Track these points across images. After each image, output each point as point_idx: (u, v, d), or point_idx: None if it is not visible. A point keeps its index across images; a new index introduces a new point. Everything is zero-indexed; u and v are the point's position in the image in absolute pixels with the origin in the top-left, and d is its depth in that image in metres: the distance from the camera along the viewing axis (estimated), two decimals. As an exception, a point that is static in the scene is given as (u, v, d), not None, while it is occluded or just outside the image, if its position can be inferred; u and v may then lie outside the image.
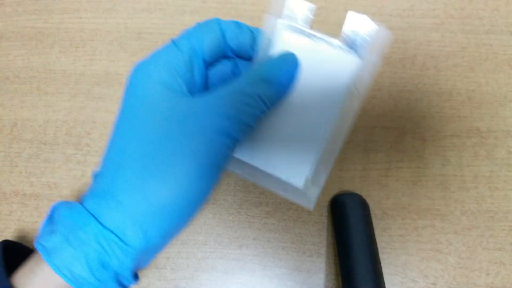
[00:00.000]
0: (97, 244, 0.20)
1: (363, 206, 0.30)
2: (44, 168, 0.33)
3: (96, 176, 0.22)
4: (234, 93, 0.21)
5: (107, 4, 0.37)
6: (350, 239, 0.28)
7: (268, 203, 0.32)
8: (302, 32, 0.23)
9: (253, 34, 0.24)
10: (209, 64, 0.25)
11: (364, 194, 0.32)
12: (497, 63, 0.35)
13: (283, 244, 0.31)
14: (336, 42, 0.23)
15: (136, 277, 0.23)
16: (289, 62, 0.23)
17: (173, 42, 0.23)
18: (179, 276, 0.31)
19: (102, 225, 0.20)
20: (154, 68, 0.22)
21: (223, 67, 0.26)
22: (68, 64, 0.35)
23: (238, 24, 0.24)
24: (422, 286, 0.30)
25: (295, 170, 0.24)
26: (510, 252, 0.31)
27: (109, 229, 0.20)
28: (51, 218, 0.22)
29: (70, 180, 0.33)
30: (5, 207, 0.33)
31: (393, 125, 0.34)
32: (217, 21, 0.24)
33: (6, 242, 0.24)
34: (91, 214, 0.20)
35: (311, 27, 0.23)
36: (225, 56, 0.25)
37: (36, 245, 0.21)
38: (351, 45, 0.23)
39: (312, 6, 0.23)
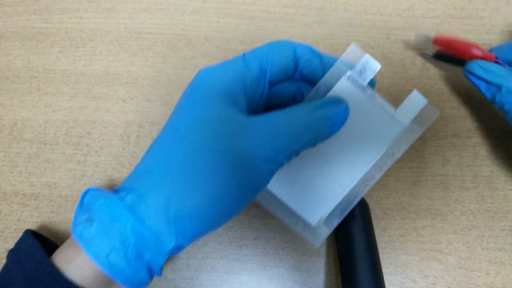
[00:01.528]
0: (134, 238, 0.21)
1: (363, 206, 0.30)
2: (44, 168, 0.33)
3: (137, 170, 0.23)
4: (290, 121, 0.22)
5: (107, 4, 0.37)
6: (350, 239, 0.28)
7: (268, 203, 0.32)
8: (362, 87, 0.24)
9: (324, 63, 0.24)
10: (273, 85, 0.25)
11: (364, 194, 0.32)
12: (497, 63, 0.35)
13: (283, 244, 0.31)
14: (388, 107, 0.24)
15: (161, 270, 0.24)
16: (344, 108, 0.24)
17: (244, 57, 0.23)
18: (179, 276, 0.31)
19: (139, 221, 0.21)
20: (220, 79, 0.22)
21: (285, 88, 0.26)
22: (68, 64, 0.35)
23: (312, 51, 0.24)
24: (422, 286, 0.30)
25: (312, 208, 0.25)
26: (510, 252, 0.31)
27: (145, 226, 0.21)
28: (82, 205, 0.23)
29: (70, 180, 0.33)
30: (5, 207, 0.33)
31: (393, 125, 0.34)
32: (292, 45, 0.24)
33: (31, 231, 0.25)
34: (129, 209, 0.21)
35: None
36: (289, 78, 0.26)
37: (74, 234, 0.22)
38: (401, 113, 0.24)
39: (380, 67, 0.24)
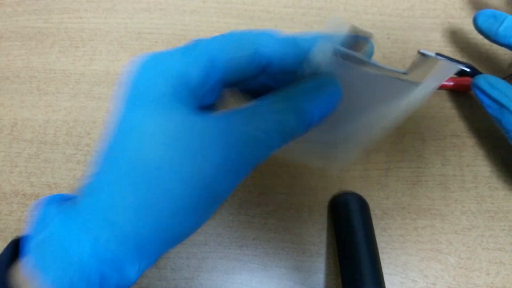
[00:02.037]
0: (96, 263, 0.18)
1: (363, 206, 0.30)
2: (44, 168, 0.33)
3: (92, 189, 0.20)
4: (252, 124, 0.18)
5: (107, 4, 0.37)
6: (350, 239, 0.28)
7: (268, 203, 0.32)
8: (357, 59, 0.20)
9: (300, 49, 0.20)
10: (230, 85, 0.21)
11: (364, 194, 0.32)
12: (496, 63, 0.35)
13: (283, 244, 0.31)
14: (400, 71, 0.20)
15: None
16: (329, 93, 0.19)
17: (192, 47, 0.20)
18: (179, 276, 0.31)
19: (98, 244, 0.18)
20: (164, 76, 0.19)
21: (254, 86, 0.22)
22: (68, 64, 0.35)
23: (284, 42, 0.20)
24: (422, 286, 0.30)
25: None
26: (510, 252, 0.31)
27: (104, 250, 0.18)
28: (41, 222, 0.20)
29: (70, 180, 0.33)
30: (5, 207, 0.33)
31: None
32: (254, 40, 0.20)
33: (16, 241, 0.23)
34: (86, 231, 0.19)
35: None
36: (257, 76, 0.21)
37: (29, 257, 0.19)
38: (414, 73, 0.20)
39: (371, 34, 0.20)
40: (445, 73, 0.21)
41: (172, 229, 0.19)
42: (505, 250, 0.31)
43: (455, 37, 0.35)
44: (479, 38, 0.35)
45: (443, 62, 0.20)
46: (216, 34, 0.38)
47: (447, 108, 0.34)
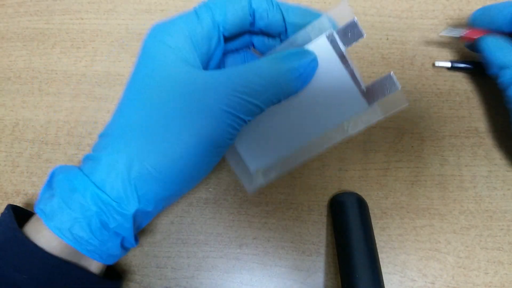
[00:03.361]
0: (95, 207, 0.20)
1: (362, 205, 0.30)
2: (45, 168, 0.33)
3: (101, 137, 0.22)
4: (252, 74, 0.20)
5: (108, 5, 0.37)
6: (349, 239, 0.28)
7: (268, 203, 0.32)
8: (339, 51, 0.22)
9: (282, 13, 0.23)
10: (228, 39, 0.24)
11: (363, 193, 0.32)
12: (495, 63, 0.35)
13: (283, 244, 0.31)
14: (359, 81, 0.23)
15: (136, 239, 0.23)
16: (311, 59, 0.22)
17: (195, 11, 0.22)
18: (179, 275, 0.31)
19: (99, 188, 0.20)
20: (171, 36, 0.21)
21: (243, 43, 0.25)
22: (69, 64, 0.36)
23: (269, 1, 0.23)
24: (421, 285, 0.31)
25: (255, 156, 0.25)
26: (508, 252, 0.31)
27: (105, 193, 0.20)
28: (50, 183, 0.22)
29: (72, 180, 0.33)
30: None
31: (391, 125, 0.34)
32: (247, 1, 0.22)
33: (12, 206, 0.25)
34: (88, 177, 0.20)
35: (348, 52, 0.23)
36: (248, 32, 0.24)
37: (36, 210, 0.21)
38: (370, 92, 0.23)
39: (364, 36, 0.22)
40: (394, 105, 0.23)
41: (172, 173, 0.20)
42: (503, 249, 0.31)
43: (454, 38, 0.36)
44: (478, 39, 0.36)
45: (399, 92, 0.22)
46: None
47: (446, 108, 0.34)
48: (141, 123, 0.20)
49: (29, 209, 0.28)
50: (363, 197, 0.31)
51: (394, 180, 0.33)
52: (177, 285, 0.31)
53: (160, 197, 0.21)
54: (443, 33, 0.33)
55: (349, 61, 0.22)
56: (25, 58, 0.36)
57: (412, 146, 0.33)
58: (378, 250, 0.30)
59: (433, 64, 0.35)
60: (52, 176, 0.23)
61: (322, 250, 0.31)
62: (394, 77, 0.22)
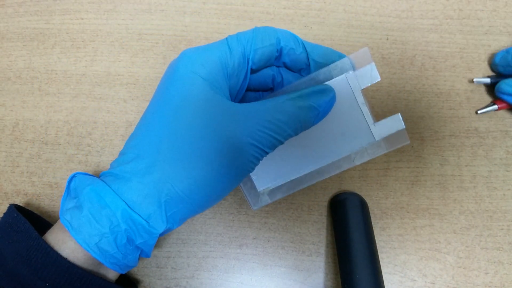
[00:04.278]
0: (125, 225, 0.21)
1: (362, 205, 0.30)
2: (45, 168, 0.33)
3: (124, 154, 0.23)
4: (277, 111, 0.22)
5: (108, 5, 0.37)
6: (349, 239, 0.28)
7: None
8: (356, 90, 0.25)
9: (307, 52, 0.24)
10: (254, 72, 0.25)
11: (363, 193, 0.32)
12: (495, 63, 0.35)
13: (282, 244, 0.31)
14: (370, 117, 0.25)
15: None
16: (331, 97, 0.24)
17: (227, 41, 0.23)
18: (179, 275, 0.31)
19: (129, 206, 0.21)
20: (204, 66, 0.22)
21: (265, 73, 0.26)
22: (69, 64, 0.36)
23: (296, 40, 0.24)
24: (421, 285, 0.31)
25: (264, 177, 0.27)
26: (508, 252, 0.31)
27: (136, 212, 0.21)
28: (69, 191, 0.23)
29: (71, 180, 0.33)
30: (7, 206, 0.33)
31: (392, 125, 0.34)
32: (275, 33, 0.24)
33: (16, 206, 0.26)
34: (119, 195, 0.21)
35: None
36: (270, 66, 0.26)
37: (63, 221, 0.22)
38: (378, 128, 0.25)
39: (379, 80, 0.25)
40: (398, 142, 0.26)
41: (199, 196, 0.22)
42: (503, 249, 0.31)
43: (454, 38, 0.36)
44: (478, 39, 0.36)
45: (403, 131, 0.25)
46: (217, 35, 0.38)
47: (446, 109, 0.34)
48: (172, 148, 0.21)
49: (29, 209, 0.29)
50: (363, 197, 0.31)
51: (394, 180, 0.33)
52: (177, 285, 0.31)
53: (184, 217, 0.23)
54: (480, 112, 0.34)
55: (364, 100, 0.25)
56: (25, 58, 0.36)
57: (412, 146, 0.33)
58: (378, 250, 0.30)
59: (472, 80, 0.35)
60: (71, 183, 0.23)
61: (322, 250, 0.31)
62: (401, 118, 0.25)
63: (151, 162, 0.21)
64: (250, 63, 0.24)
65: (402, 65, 0.35)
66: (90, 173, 0.33)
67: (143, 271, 0.31)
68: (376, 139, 0.25)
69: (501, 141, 0.33)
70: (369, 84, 0.25)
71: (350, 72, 0.25)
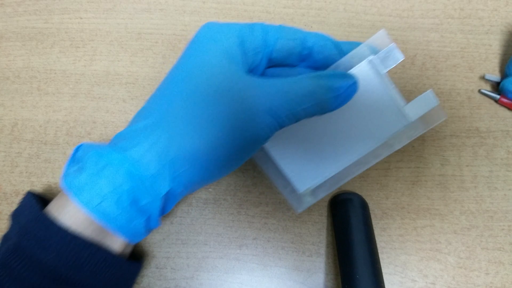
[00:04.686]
0: (128, 184, 0.21)
1: (363, 206, 0.30)
2: (44, 168, 0.33)
3: (137, 119, 0.23)
4: (293, 84, 0.22)
5: (107, 4, 0.37)
6: (349, 239, 0.28)
7: (268, 203, 0.32)
8: (380, 74, 0.24)
9: (340, 49, 0.24)
10: (272, 65, 0.25)
11: (363, 194, 0.32)
12: (496, 63, 0.35)
13: (283, 244, 0.31)
14: (400, 99, 0.25)
15: (159, 221, 0.24)
16: (351, 83, 0.23)
17: (251, 24, 0.23)
18: (179, 275, 0.31)
19: (135, 165, 0.21)
20: (224, 35, 0.22)
21: (285, 73, 0.26)
22: (68, 64, 0.36)
23: (326, 38, 0.24)
24: (421, 286, 0.30)
25: (303, 177, 0.26)
26: (509, 252, 0.31)
27: (141, 171, 0.21)
28: (74, 159, 0.23)
29: (71, 180, 0.33)
30: (6, 207, 0.33)
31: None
32: (302, 32, 0.24)
33: (32, 193, 0.26)
34: (123, 154, 0.21)
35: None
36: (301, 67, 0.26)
37: (64, 183, 0.21)
38: (410, 109, 0.25)
39: (403, 58, 0.24)
40: (434, 119, 0.25)
41: (206, 160, 0.21)
42: (504, 250, 0.31)
43: (455, 37, 0.36)
44: (479, 38, 0.36)
45: (437, 107, 0.24)
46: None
47: (447, 108, 0.34)
48: (184, 110, 0.21)
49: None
50: (364, 197, 0.31)
51: (394, 180, 0.33)
52: (176, 285, 0.31)
53: (191, 181, 0.22)
54: (483, 91, 0.34)
55: (390, 82, 0.24)
56: (24, 58, 0.36)
57: (413, 146, 0.33)
58: (379, 251, 0.30)
59: (483, 77, 0.35)
60: (76, 151, 0.23)
61: (323, 250, 0.31)
62: (433, 94, 0.24)
63: (159, 121, 0.21)
64: (270, 49, 0.24)
65: (403, 64, 0.35)
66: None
67: (142, 272, 0.31)
68: (411, 121, 0.25)
69: (502, 141, 0.33)
70: (394, 65, 0.24)
71: (371, 57, 0.24)
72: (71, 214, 0.22)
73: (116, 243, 0.23)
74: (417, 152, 0.33)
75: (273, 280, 0.31)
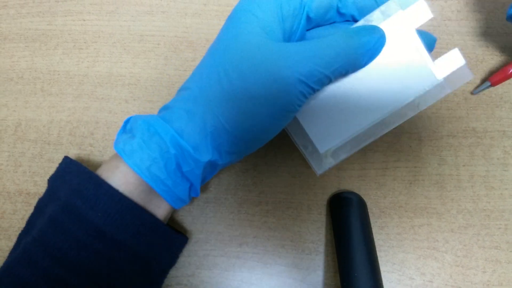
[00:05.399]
0: (174, 150, 0.22)
1: (361, 205, 0.31)
2: (48, 168, 0.34)
3: (180, 91, 0.24)
4: (325, 46, 0.22)
5: (110, 6, 0.37)
6: (348, 237, 0.29)
7: (268, 202, 0.33)
8: (409, 30, 0.24)
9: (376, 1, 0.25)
10: (313, 23, 0.25)
11: (362, 193, 0.32)
12: (493, 64, 0.35)
13: (282, 242, 0.32)
14: (428, 57, 0.24)
15: (199, 190, 0.25)
16: (379, 36, 0.23)
17: None
18: (180, 273, 0.31)
19: (179, 135, 0.22)
20: (259, 6, 0.23)
21: (324, 32, 0.26)
22: (71, 65, 0.36)
23: None
24: (419, 284, 0.31)
25: (325, 137, 0.25)
26: (506, 251, 0.31)
27: (185, 140, 0.23)
28: (125, 128, 0.25)
29: (74, 180, 0.33)
30: (9, 206, 0.33)
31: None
32: None
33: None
34: (168, 123, 0.23)
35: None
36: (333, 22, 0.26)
37: (116, 148, 0.23)
38: (438, 68, 0.24)
39: (432, 16, 0.24)
40: (460, 79, 0.24)
41: (244, 129, 0.23)
42: (501, 248, 0.32)
43: (452, 38, 0.36)
44: (476, 40, 0.36)
45: (464, 66, 0.24)
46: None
47: (444, 109, 0.34)
48: (219, 84, 0.22)
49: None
50: (362, 196, 0.32)
51: (392, 180, 0.33)
52: (178, 283, 0.31)
53: (229, 151, 0.24)
54: (476, 92, 0.34)
55: (418, 40, 0.24)
56: (28, 59, 0.36)
57: (410, 146, 0.34)
58: (377, 249, 0.30)
59: (471, 93, 0.35)
60: (127, 122, 0.25)
61: (321, 248, 0.32)
62: (460, 52, 0.24)
63: (199, 95, 0.23)
64: (307, 8, 0.24)
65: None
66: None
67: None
68: (439, 79, 0.24)
69: (498, 141, 0.34)
70: (422, 22, 0.24)
71: (400, 12, 0.24)
72: (121, 176, 0.23)
73: (160, 208, 0.25)
74: (415, 152, 0.34)
75: (273, 278, 0.31)
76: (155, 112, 0.35)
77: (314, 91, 0.23)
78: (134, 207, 0.23)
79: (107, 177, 0.24)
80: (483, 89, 0.34)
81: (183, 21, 0.37)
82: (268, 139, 0.24)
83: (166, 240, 0.26)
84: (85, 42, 0.37)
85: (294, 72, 0.21)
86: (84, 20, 0.37)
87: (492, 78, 0.33)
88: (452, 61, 0.24)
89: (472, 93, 0.34)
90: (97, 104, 0.35)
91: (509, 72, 0.33)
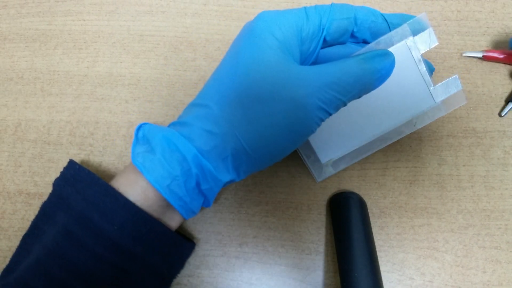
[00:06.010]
0: (196, 170, 0.23)
1: (361, 205, 0.31)
2: (48, 168, 0.34)
3: (194, 106, 0.24)
4: (342, 73, 0.22)
5: (110, 6, 0.37)
6: (348, 237, 0.29)
7: (268, 202, 0.33)
8: (415, 55, 0.26)
9: (387, 23, 0.25)
10: (326, 45, 0.26)
11: (362, 193, 0.32)
12: (493, 64, 0.35)
13: (282, 242, 0.32)
14: (429, 81, 0.26)
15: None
16: (391, 61, 0.24)
17: (305, 9, 0.24)
18: (180, 273, 0.31)
19: (200, 154, 0.23)
20: (279, 28, 0.23)
21: (337, 51, 0.27)
22: (71, 65, 0.36)
23: (375, 13, 0.25)
24: (419, 284, 0.31)
25: (327, 148, 0.28)
26: (506, 251, 0.31)
27: (206, 160, 0.23)
28: (138, 139, 0.25)
29: (74, 180, 0.33)
30: (9, 206, 0.33)
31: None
32: (353, 9, 0.25)
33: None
34: (190, 142, 0.23)
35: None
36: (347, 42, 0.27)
37: (135, 162, 0.23)
38: (436, 91, 0.27)
39: (437, 44, 0.26)
40: (456, 103, 0.27)
41: (263, 152, 0.23)
42: (501, 248, 0.32)
43: (452, 39, 0.36)
44: (476, 40, 0.36)
45: (461, 91, 0.26)
46: (218, 36, 0.39)
47: (444, 109, 0.34)
48: (241, 106, 0.22)
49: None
50: (362, 196, 0.32)
51: (392, 180, 0.33)
52: (177, 283, 0.31)
53: (247, 171, 0.24)
54: (466, 54, 0.35)
55: (422, 64, 0.26)
56: (28, 59, 0.36)
57: (411, 146, 0.34)
58: (377, 249, 0.30)
59: (461, 54, 0.35)
60: (138, 129, 0.25)
61: (322, 248, 0.32)
62: (458, 79, 0.26)
63: (220, 116, 0.23)
64: (325, 32, 0.24)
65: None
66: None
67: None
68: (437, 102, 0.26)
69: (498, 141, 0.34)
70: (428, 49, 0.26)
71: (410, 38, 0.25)
72: (140, 191, 0.24)
73: (173, 220, 0.26)
74: (415, 152, 0.34)
75: (273, 278, 0.31)
76: (155, 111, 0.35)
77: (330, 114, 0.23)
78: (150, 220, 0.24)
79: (125, 191, 0.24)
80: (473, 56, 0.35)
81: (182, 21, 0.37)
82: (281, 159, 0.25)
83: (178, 249, 0.27)
84: (85, 42, 0.37)
85: (315, 99, 0.22)
86: (84, 20, 0.37)
87: (487, 55, 0.34)
88: (451, 86, 0.26)
89: (461, 54, 0.35)
90: (97, 104, 0.35)
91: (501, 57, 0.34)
